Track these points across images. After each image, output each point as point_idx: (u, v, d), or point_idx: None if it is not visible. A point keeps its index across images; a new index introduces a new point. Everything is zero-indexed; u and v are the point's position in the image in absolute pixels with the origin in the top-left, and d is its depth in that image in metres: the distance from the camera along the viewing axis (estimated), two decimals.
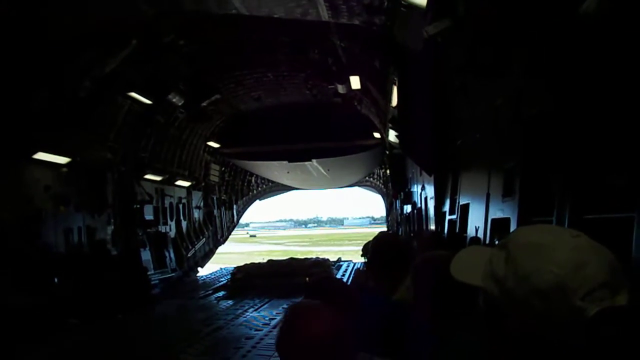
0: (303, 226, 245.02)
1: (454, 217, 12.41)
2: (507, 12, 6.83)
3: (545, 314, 1.76)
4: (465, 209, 11.04)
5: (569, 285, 1.73)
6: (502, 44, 7.27)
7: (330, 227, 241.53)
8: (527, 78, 6.82)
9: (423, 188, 18.67)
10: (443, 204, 14.26)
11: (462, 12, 7.57)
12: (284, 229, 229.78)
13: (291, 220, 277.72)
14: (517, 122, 7.11)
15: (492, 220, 8.47)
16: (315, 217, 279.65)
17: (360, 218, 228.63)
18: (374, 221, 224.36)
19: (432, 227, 15.78)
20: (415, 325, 4.02)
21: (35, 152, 19.00)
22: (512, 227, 7.03)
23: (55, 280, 18.89)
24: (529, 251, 1.84)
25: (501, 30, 7.07)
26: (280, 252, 69.90)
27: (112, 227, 25.01)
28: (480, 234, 9.16)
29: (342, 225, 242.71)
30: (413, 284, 3.87)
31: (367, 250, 6.68)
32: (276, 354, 2.70)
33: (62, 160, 20.65)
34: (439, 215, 14.65)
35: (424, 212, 18.88)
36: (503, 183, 7.84)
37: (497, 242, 7.47)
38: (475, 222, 9.73)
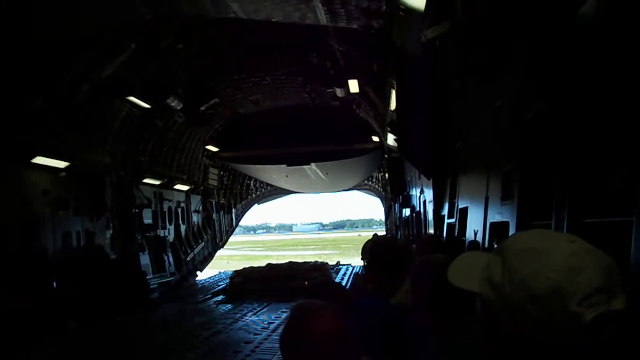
0: (253, 232, 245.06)
1: (452, 221, 12.40)
2: (505, 14, 6.82)
3: (542, 320, 1.75)
4: (464, 212, 11.03)
5: (566, 291, 1.72)
6: (499, 47, 7.27)
7: (279, 233, 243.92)
8: (525, 81, 6.82)
9: (422, 192, 18.67)
10: (442, 207, 14.25)
11: (461, 15, 7.55)
12: (235, 235, 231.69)
13: (240, 227, 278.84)
14: (516, 125, 7.11)
15: (491, 224, 8.46)
16: (265, 224, 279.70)
17: (309, 224, 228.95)
18: (322, 227, 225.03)
19: (431, 231, 15.78)
20: (413, 329, 4.02)
21: (34, 157, 19.00)
22: (511, 231, 7.02)
23: (55, 284, 18.88)
24: (525, 257, 1.84)
25: (499, 33, 7.07)
26: (240, 257, 77.72)
27: (111, 231, 25.03)
28: (480, 238, 9.15)
29: (292, 231, 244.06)
30: (411, 288, 3.87)
31: (365, 253, 6.67)
32: (275, 358, 2.69)
33: (61, 164, 20.65)
34: (438, 219, 14.65)
35: (423, 216, 18.88)
36: (502, 187, 7.83)
37: (495, 246, 7.48)
38: (474, 226, 9.72)
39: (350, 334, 2.74)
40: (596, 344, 1.73)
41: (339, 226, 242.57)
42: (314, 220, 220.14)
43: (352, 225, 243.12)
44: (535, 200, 6.45)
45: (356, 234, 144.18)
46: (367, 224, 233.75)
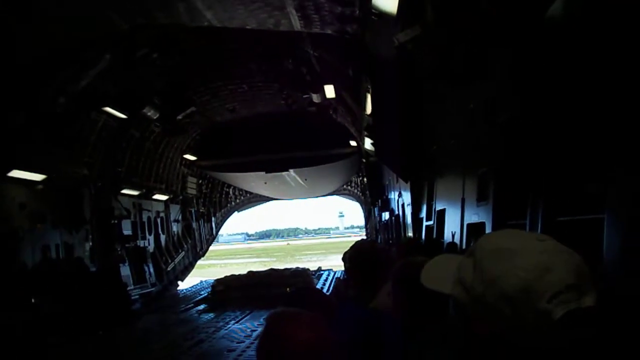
0: None
1: (430, 222, 12.46)
2: (474, 17, 6.88)
3: (514, 319, 1.76)
4: (441, 214, 11.10)
5: (535, 289, 1.74)
6: (470, 50, 7.32)
7: None
8: (497, 84, 6.88)
9: (400, 195, 18.72)
10: (420, 210, 14.31)
11: (431, 19, 7.60)
12: None
13: None
14: (490, 128, 7.17)
15: (468, 225, 8.52)
16: None
17: (234, 234, 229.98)
18: (248, 237, 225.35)
19: (410, 233, 15.83)
20: (391, 333, 4.03)
21: (9, 170, 18.83)
22: (488, 231, 7.07)
23: (34, 298, 18.71)
24: (495, 257, 1.85)
25: (469, 36, 7.13)
26: None
27: (90, 243, 24.84)
28: (457, 239, 9.22)
29: (218, 242, 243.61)
30: (392, 291, 3.89)
31: (346, 258, 6.70)
32: None
33: (38, 177, 20.48)
34: (416, 221, 14.71)
35: (401, 219, 18.93)
36: (477, 188, 7.90)
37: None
38: (452, 228, 9.79)
39: (329, 340, 2.74)
40: (569, 344, 1.74)
41: (264, 235, 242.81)
42: (238, 231, 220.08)
43: (277, 234, 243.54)
44: (510, 201, 6.51)
45: (285, 243, 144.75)
46: (293, 232, 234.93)
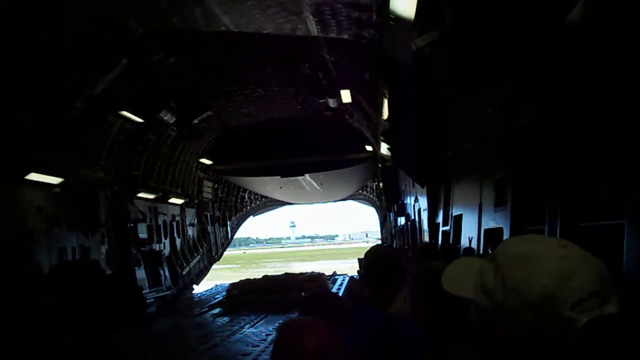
0: None
1: (447, 228, 12.42)
2: (493, 22, 6.85)
3: (535, 326, 1.74)
4: (458, 219, 11.06)
5: (558, 296, 1.72)
6: (488, 54, 7.30)
7: None
8: (515, 88, 6.85)
9: (416, 200, 18.69)
10: (436, 215, 14.28)
11: (449, 24, 7.58)
12: None
13: None
14: (507, 133, 7.13)
15: (485, 230, 8.48)
16: None
17: None
18: None
19: (426, 238, 15.79)
20: (409, 338, 4.02)
21: (27, 173, 18.93)
22: (505, 237, 7.04)
23: (50, 300, 18.77)
24: (516, 262, 1.83)
25: (487, 41, 7.10)
26: None
27: (106, 246, 24.93)
28: (474, 245, 9.18)
29: None
30: (409, 296, 3.87)
31: (362, 262, 6.68)
32: None
33: (55, 180, 20.58)
34: (433, 226, 14.68)
35: (417, 224, 18.88)
36: (495, 193, 7.86)
37: (490, 252, 7.49)
38: (469, 233, 9.75)
39: (341, 348, 2.72)
40: (589, 350, 1.72)
41: None
42: None
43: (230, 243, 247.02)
44: (527, 206, 6.48)
45: (241, 251, 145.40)
46: (244, 242, 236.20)
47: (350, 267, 43.11)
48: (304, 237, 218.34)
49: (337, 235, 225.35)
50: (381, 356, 4.24)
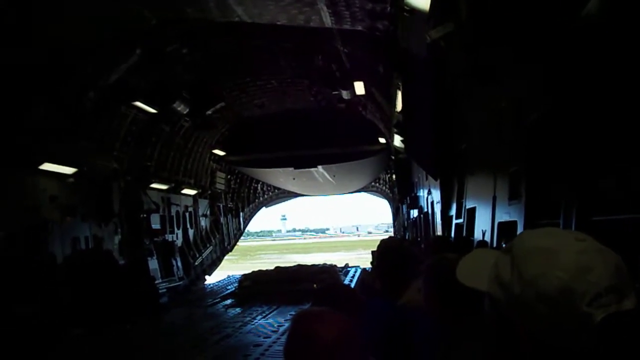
0: None
1: (460, 221, 12.40)
2: (508, 15, 6.81)
3: (551, 320, 1.73)
4: (471, 212, 11.04)
5: (574, 290, 1.70)
6: (503, 47, 7.25)
7: None
8: (529, 81, 6.81)
9: (429, 192, 18.66)
10: (449, 208, 14.25)
11: (464, 16, 7.54)
12: None
13: None
14: (522, 125, 7.10)
15: (499, 223, 8.46)
16: None
17: None
18: None
19: (439, 231, 15.77)
20: (422, 329, 4.01)
21: (41, 163, 19.01)
22: (519, 230, 7.01)
23: (62, 290, 18.86)
24: (533, 255, 1.81)
25: (502, 34, 7.05)
26: None
27: (119, 236, 25.03)
28: (487, 238, 9.16)
29: None
30: (423, 288, 3.87)
31: (374, 254, 6.68)
32: None
33: (68, 170, 20.66)
34: (446, 219, 14.65)
35: (430, 217, 18.87)
36: (509, 186, 7.83)
37: (503, 245, 7.47)
38: (482, 226, 9.72)
39: (356, 337, 2.72)
40: (606, 346, 1.71)
41: None
42: None
43: None
44: (542, 199, 6.44)
45: None
46: None
47: (344, 259, 43.17)
48: (294, 230, 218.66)
49: (328, 229, 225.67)
50: (393, 347, 4.24)
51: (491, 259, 1.97)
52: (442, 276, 3.43)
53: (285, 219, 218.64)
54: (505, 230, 8.11)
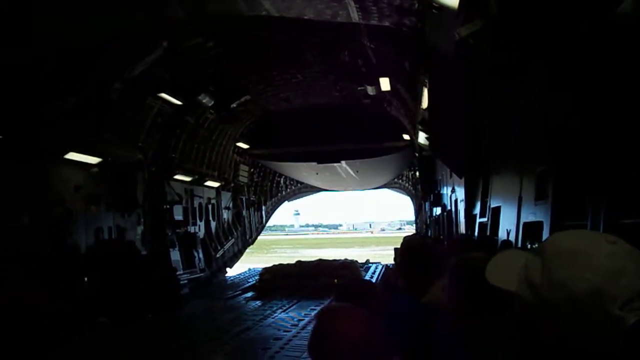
0: None
1: (484, 219, 12.35)
2: (539, 12, 6.75)
3: (581, 323, 1.72)
4: (496, 211, 10.99)
5: (606, 294, 1.69)
6: (532, 45, 7.19)
7: None
8: (559, 80, 6.75)
9: (453, 190, 18.60)
10: (474, 206, 14.20)
11: (494, 13, 7.47)
12: None
13: None
14: (549, 125, 7.04)
15: (524, 223, 8.41)
16: None
17: None
18: None
19: (462, 229, 15.72)
20: (444, 327, 3.99)
21: (66, 152, 19.15)
22: (545, 231, 6.97)
23: (85, 279, 19.02)
24: (564, 258, 1.81)
25: (532, 31, 6.99)
26: None
27: (142, 227, 25.16)
28: (512, 237, 9.11)
29: None
30: (448, 286, 3.85)
31: (397, 252, 6.67)
32: (304, 355, 2.66)
33: (93, 160, 20.80)
34: (470, 217, 14.59)
35: (454, 215, 18.81)
36: (535, 186, 7.77)
37: (528, 246, 7.42)
38: (507, 225, 9.68)
39: (381, 335, 2.71)
40: (634, 351, 1.69)
41: None
42: None
43: None
44: (569, 201, 6.39)
45: None
46: None
47: (358, 255, 43.21)
48: (307, 225, 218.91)
49: (340, 225, 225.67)
50: (416, 345, 4.22)
51: (521, 260, 1.97)
52: (468, 275, 3.42)
53: (298, 214, 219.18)
54: (530, 230, 8.07)
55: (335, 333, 2.61)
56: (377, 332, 2.69)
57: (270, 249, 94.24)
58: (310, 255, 46.29)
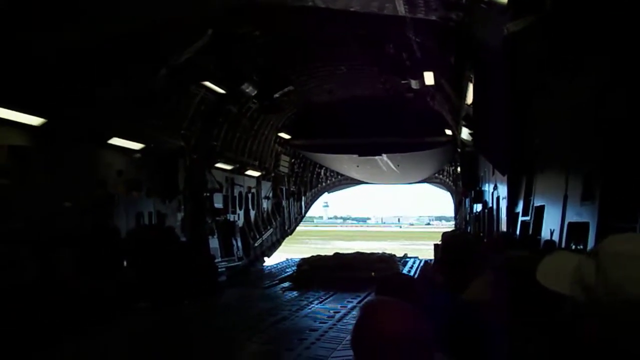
0: None
1: (527, 218, 12.25)
2: (595, 6, 6.63)
3: (635, 326, 1.69)
4: (539, 211, 10.88)
5: None
6: (586, 42, 7.07)
7: None
8: (612, 79, 6.63)
9: (495, 187, 18.48)
10: (516, 204, 14.09)
11: (549, 8, 7.36)
12: None
13: None
14: (599, 124, 6.93)
15: (569, 224, 8.30)
16: None
17: None
18: None
19: (504, 227, 15.61)
20: (487, 326, 3.96)
21: (109, 138, 19.38)
22: (591, 232, 6.87)
23: (126, 263, 19.27)
24: (620, 261, 1.78)
25: (588, 27, 6.87)
26: None
27: (182, 213, 25.40)
28: (556, 237, 9.00)
29: None
30: (492, 284, 3.82)
31: (438, 247, 6.64)
32: (340, 347, 2.63)
33: (136, 146, 21.03)
34: (512, 216, 14.48)
35: (495, 212, 18.68)
36: (582, 186, 7.67)
37: (573, 247, 7.32)
38: (551, 225, 9.57)
39: (425, 330, 2.67)
40: None
41: None
42: None
43: None
44: (618, 202, 6.29)
45: None
46: None
47: (387, 248, 43.17)
48: (336, 217, 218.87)
49: (369, 218, 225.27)
50: (457, 343, 4.18)
51: (573, 262, 1.95)
52: (515, 275, 3.39)
53: (327, 206, 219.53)
54: (575, 231, 7.96)
55: (379, 327, 2.59)
56: (422, 327, 2.66)
57: (301, 240, 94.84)
58: (341, 247, 46.28)
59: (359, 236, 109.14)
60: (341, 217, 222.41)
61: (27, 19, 13.68)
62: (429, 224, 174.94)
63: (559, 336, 2.02)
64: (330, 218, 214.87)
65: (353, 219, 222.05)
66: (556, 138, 9.80)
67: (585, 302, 1.83)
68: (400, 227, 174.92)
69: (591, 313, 1.81)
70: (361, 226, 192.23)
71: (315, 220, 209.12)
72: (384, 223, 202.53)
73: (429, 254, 32.32)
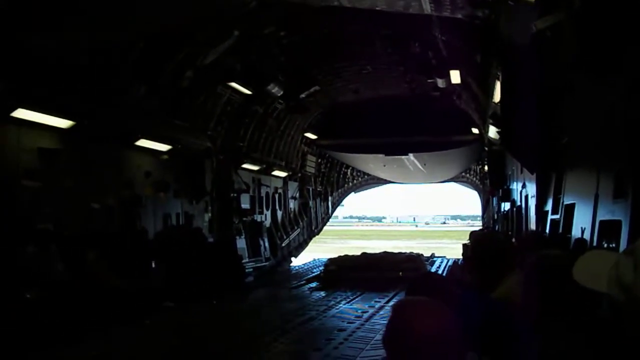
0: None
1: (557, 217, 12.14)
2: (627, 5, 6.55)
3: None
4: (569, 209, 10.77)
5: None
6: (617, 39, 6.98)
7: None
8: None
9: (524, 186, 18.35)
10: (545, 203, 13.97)
11: (578, 5, 7.29)
12: None
13: None
14: (633, 123, 6.85)
15: (601, 222, 8.20)
16: None
17: None
18: None
19: (532, 226, 15.49)
20: (518, 324, 3.93)
21: (137, 139, 19.52)
22: (624, 231, 6.79)
23: (154, 264, 19.40)
24: None
25: (618, 24, 6.79)
26: None
27: (209, 214, 25.52)
28: (587, 236, 8.90)
29: None
30: (524, 283, 3.79)
31: (467, 246, 6.60)
32: (368, 347, 2.63)
33: (163, 147, 21.15)
34: (541, 214, 14.36)
35: (523, 211, 18.55)
36: (614, 184, 7.58)
37: (605, 245, 7.24)
38: (581, 223, 9.46)
39: (457, 330, 2.67)
40: None
41: None
42: None
43: None
44: None
45: None
46: None
47: (404, 247, 43.04)
48: (351, 217, 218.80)
49: (384, 217, 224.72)
50: (488, 342, 4.16)
51: (610, 261, 1.92)
52: (547, 272, 3.36)
53: (342, 206, 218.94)
54: (607, 229, 7.86)
55: (412, 326, 2.59)
56: (454, 326, 2.66)
57: (319, 239, 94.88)
58: (359, 246, 46.19)
59: (375, 235, 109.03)
60: (356, 217, 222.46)
61: (57, 22, 13.83)
62: (444, 222, 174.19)
63: (598, 334, 2.00)
64: (346, 217, 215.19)
65: (368, 218, 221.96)
66: (586, 136, 9.70)
67: (623, 300, 1.81)
68: (416, 226, 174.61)
69: (630, 311, 1.79)
70: (377, 225, 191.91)
71: (331, 220, 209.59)
72: (400, 222, 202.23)
73: (448, 252, 32.16)
